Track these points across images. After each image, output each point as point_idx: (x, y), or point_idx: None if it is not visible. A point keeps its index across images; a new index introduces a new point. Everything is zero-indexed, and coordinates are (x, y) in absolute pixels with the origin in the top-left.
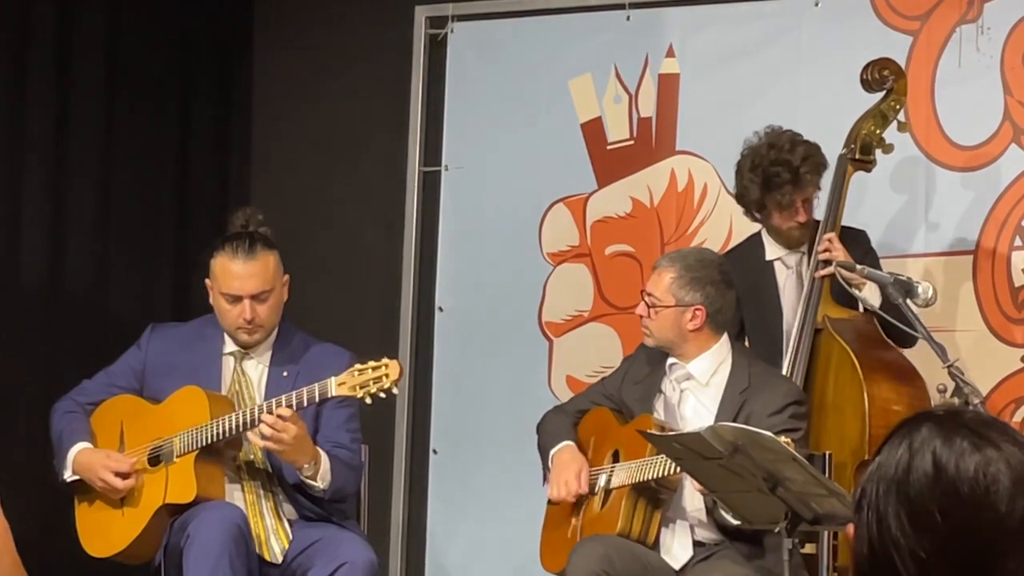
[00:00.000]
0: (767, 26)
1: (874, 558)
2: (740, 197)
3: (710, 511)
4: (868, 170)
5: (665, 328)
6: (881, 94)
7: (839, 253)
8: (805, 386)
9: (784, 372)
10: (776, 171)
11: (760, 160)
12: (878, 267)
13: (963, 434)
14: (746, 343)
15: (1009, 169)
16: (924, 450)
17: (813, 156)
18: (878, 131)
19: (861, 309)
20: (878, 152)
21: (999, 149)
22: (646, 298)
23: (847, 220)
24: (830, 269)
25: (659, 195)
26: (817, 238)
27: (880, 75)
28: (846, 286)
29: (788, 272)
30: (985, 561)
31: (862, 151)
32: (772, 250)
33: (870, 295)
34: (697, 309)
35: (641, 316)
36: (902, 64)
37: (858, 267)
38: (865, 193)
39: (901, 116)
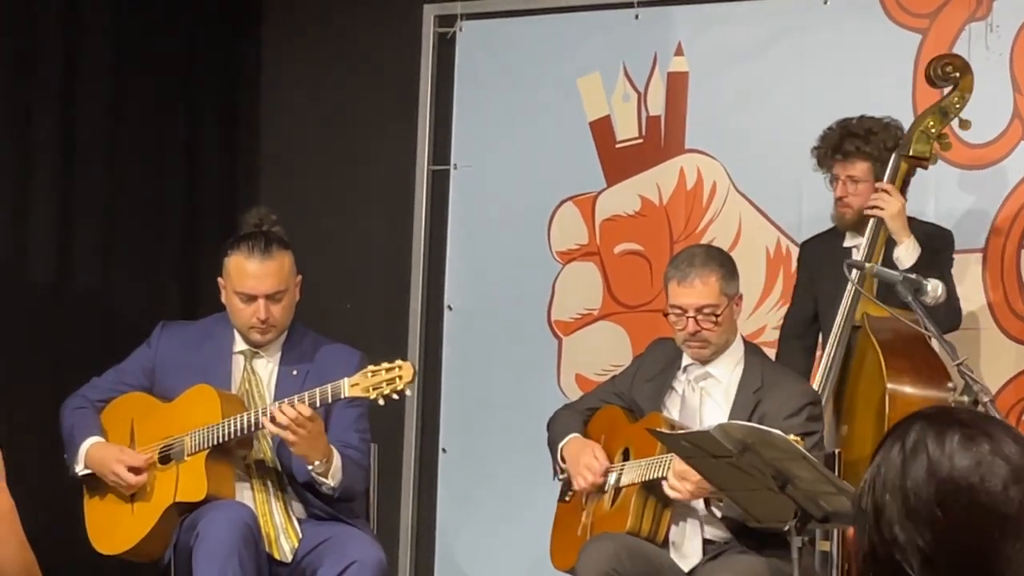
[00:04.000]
0: (776, 24)
1: (876, 558)
2: None
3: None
4: (925, 167)
5: (725, 331)
6: (945, 90)
7: (891, 204)
8: (839, 383)
9: (820, 366)
10: (832, 131)
11: (838, 121)
12: (949, 271)
13: (955, 429)
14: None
15: (1018, 166)
16: (918, 448)
17: (860, 136)
18: (935, 128)
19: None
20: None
21: (1009, 146)
22: (705, 311)
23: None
24: (875, 212)
25: (668, 193)
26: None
27: (944, 71)
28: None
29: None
30: (985, 548)
31: (916, 147)
32: (849, 237)
33: (904, 254)
34: (739, 297)
35: (697, 332)
36: (910, 63)
37: (867, 264)
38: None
39: (964, 113)
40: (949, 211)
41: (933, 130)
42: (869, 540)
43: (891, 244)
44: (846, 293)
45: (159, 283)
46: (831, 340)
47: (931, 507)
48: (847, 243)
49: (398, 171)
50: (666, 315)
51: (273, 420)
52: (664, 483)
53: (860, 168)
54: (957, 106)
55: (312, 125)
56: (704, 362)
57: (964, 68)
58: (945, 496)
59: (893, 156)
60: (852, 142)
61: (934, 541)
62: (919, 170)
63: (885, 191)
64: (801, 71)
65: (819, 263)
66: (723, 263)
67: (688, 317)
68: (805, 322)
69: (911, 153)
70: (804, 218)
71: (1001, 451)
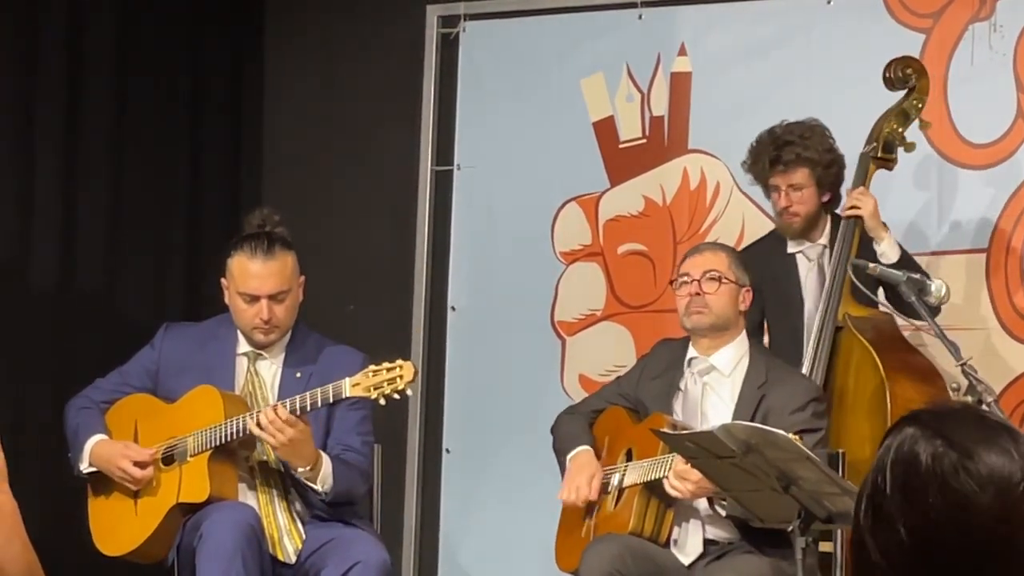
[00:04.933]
0: (779, 24)
1: (857, 565)
2: None
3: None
4: (890, 168)
5: (726, 304)
6: (903, 92)
7: (868, 204)
8: (824, 384)
9: (804, 368)
10: (762, 144)
11: (762, 133)
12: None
13: (941, 444)
14: (765, 336)
15: (1022, 166)
16: (901, 454)
17: (796, 143)
18: (900, 129)
19: (881, 307)
20: (900, 151)
21: (1012, 146)
22: (709, 274)
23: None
24: (854, 212)
25: (671, 194)
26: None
27: (903, 73)
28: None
29: (810, 265)
30: (954, 565)
31: (884, 149)
32: (793, 243)
33: (888, 249)
34: (747, 291)
35: (698, 294)
36: None
37: (871, 265)
38: (877, 191)
39: (923, 115)
40: (952, 211)
41: (899, 130)
42: (852, 534)
43: (864, 244)
44: (826, 293)
45: (162, 284)
46: (812, 342)
47: (898, 525)
48: (791, 249)
49: (401, 172)
50: (671, 283)
51: (258, 424)
52: (665, 482)
53: (801, 174)
54: (918, 107)
55: (315, 126)
56: (703, 336)
57: (921, 71)
58: (915, 520)
59: (860, 158)
60: (791, 150)
61: (902, 563)
62: (921, 170)
63: (861, 192)
64: (804, 71)
65: (763, 269)
66: (734, 252)
67: (693, 280)
68: (751, 330)
69: (880, 155)
70: None
71: (982, 474)
